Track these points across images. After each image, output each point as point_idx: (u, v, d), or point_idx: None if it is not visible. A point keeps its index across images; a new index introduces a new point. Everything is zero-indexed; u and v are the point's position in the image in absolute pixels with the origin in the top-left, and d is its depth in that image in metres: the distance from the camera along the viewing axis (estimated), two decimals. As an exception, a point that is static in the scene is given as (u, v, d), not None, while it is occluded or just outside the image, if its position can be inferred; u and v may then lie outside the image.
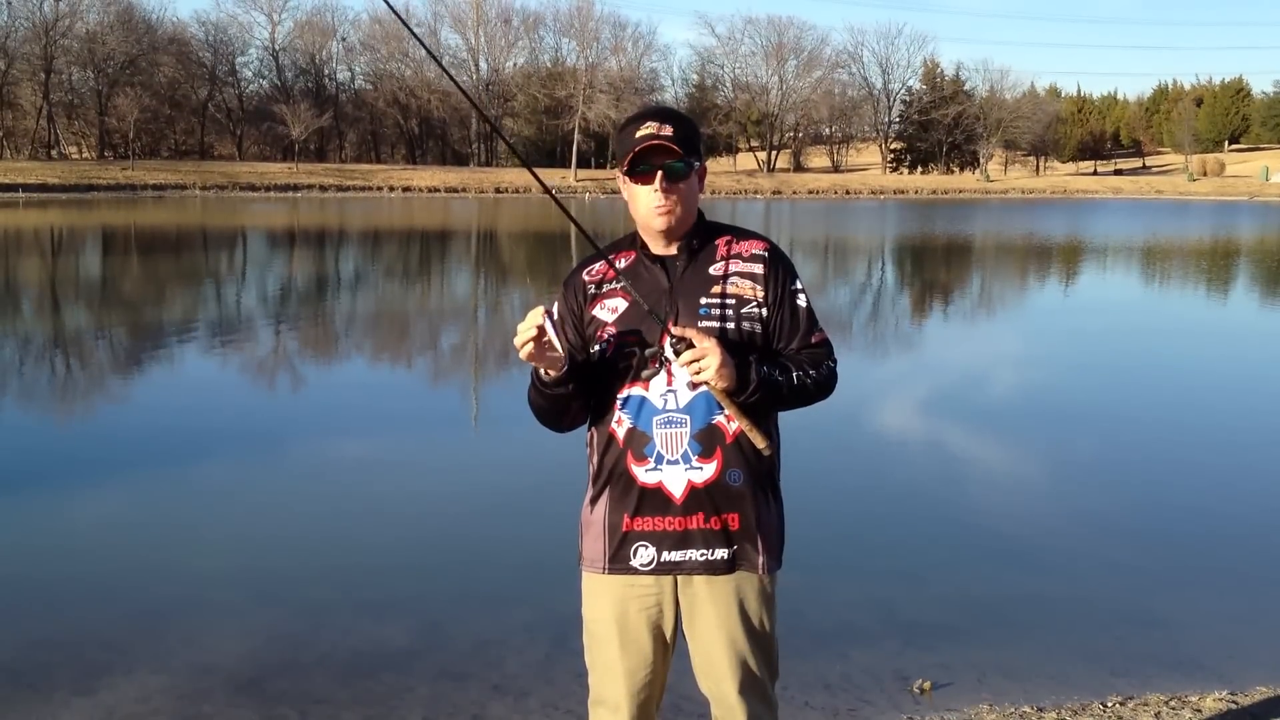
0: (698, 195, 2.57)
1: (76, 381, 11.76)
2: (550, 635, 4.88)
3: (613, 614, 2.59)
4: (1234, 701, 4.32)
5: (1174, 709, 4.25)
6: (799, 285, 2.59)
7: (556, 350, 2.38)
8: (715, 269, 2.55)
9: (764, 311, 2.53)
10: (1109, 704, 4.31)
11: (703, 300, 2.51)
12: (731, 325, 2.50)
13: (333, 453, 8.39)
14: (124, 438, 8.93)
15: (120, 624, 5.10)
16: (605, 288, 2.59)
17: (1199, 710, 4.24)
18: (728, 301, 2.51)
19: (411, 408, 10.27)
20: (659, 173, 2.48)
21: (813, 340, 2.57)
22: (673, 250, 2.57)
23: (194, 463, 7.92)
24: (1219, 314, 19.39)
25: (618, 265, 2.58)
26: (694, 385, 2.46)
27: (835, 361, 2.59)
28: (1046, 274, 26.86)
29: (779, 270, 2.56)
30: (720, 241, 2.59)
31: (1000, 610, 5.44)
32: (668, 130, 2.48)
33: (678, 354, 2.37)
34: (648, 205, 2.51)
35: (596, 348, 2.55)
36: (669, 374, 2.49)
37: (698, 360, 2.35)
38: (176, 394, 10.86)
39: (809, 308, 2.59)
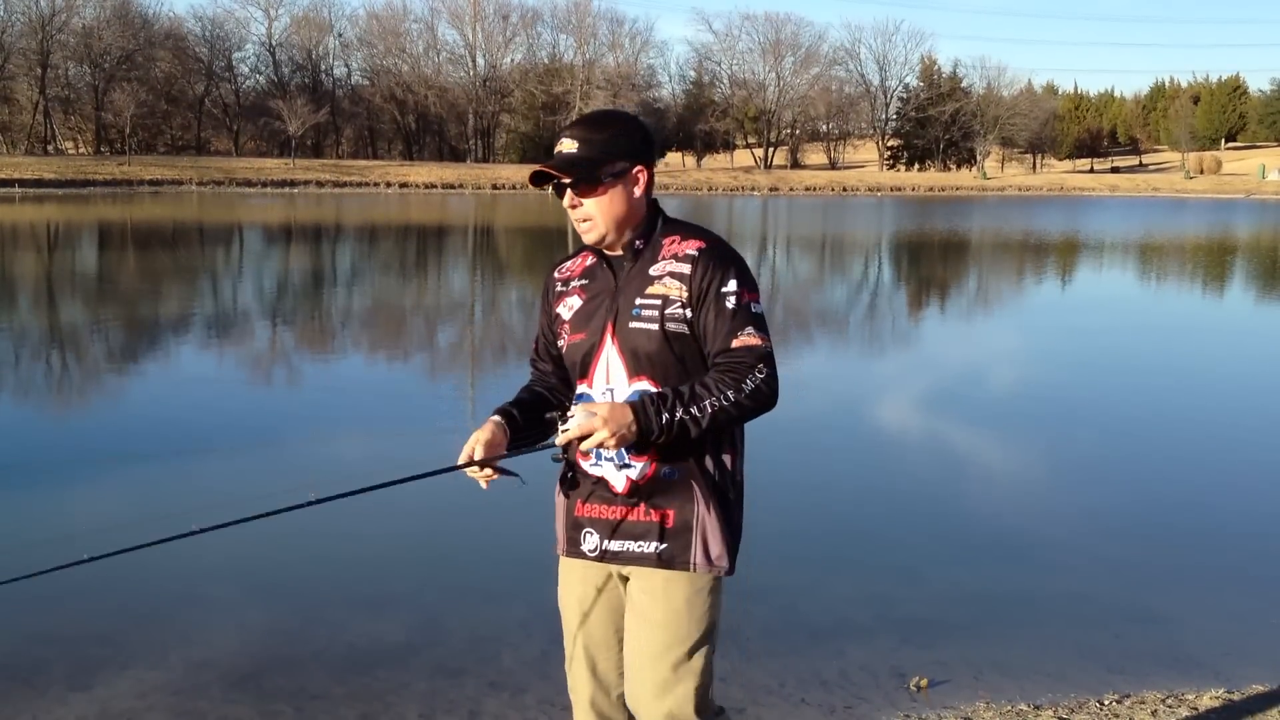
0: (633, 198, 2.52)
1: (71, 376, 11.74)
2: (547, 631, 4.85)
3: (575, 596, 2.68)
4: (1230, 699, 4.32)
5: (1170, 707, 4.25)
6: (733, 286, 2.44)
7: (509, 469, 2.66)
8: (654, 269, 2.52)
9: (687, 312, 2.46)
10: (1106, 701, 4.31)
11: (637, 301, 2.51)
12: (656, 327, 2.47)
13: (329, 447, 8.38)
14: (119, 432, 8.91)
15: (116, 619, 5.09)
16: (571, 285, 2.66)
17: (1195, 708, 4.24)
18: (655, 302, 2.49)
19: (408, 402, 10.26)
20: (566, 190, 2.50)
21: (733, 343, 2.41)
22: (619, 251, 2.58)
23: (189, 457, 7.91)
24: (1217, 310, 19.41)
25: (586, 263, 2.65)
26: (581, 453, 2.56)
27: (766, 371, 2.42)
28: (1044, 271, 26.87)
29: (708, 269, 2.45)
30: (666, 241, 2.55)
31: (997, 607, 5.44)
32: (570, 148, 2.49)
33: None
34: (571, 219, 2.57)
35: (560, 342, 2.65)
36: (608, 373, 2.53)
37: (586, 437, 2.38)
38: (172, 388, 10.84)
39: (740, 309, 2.43)
